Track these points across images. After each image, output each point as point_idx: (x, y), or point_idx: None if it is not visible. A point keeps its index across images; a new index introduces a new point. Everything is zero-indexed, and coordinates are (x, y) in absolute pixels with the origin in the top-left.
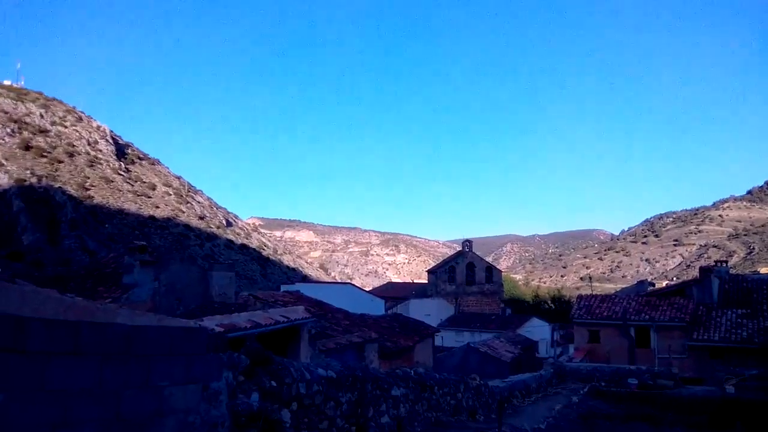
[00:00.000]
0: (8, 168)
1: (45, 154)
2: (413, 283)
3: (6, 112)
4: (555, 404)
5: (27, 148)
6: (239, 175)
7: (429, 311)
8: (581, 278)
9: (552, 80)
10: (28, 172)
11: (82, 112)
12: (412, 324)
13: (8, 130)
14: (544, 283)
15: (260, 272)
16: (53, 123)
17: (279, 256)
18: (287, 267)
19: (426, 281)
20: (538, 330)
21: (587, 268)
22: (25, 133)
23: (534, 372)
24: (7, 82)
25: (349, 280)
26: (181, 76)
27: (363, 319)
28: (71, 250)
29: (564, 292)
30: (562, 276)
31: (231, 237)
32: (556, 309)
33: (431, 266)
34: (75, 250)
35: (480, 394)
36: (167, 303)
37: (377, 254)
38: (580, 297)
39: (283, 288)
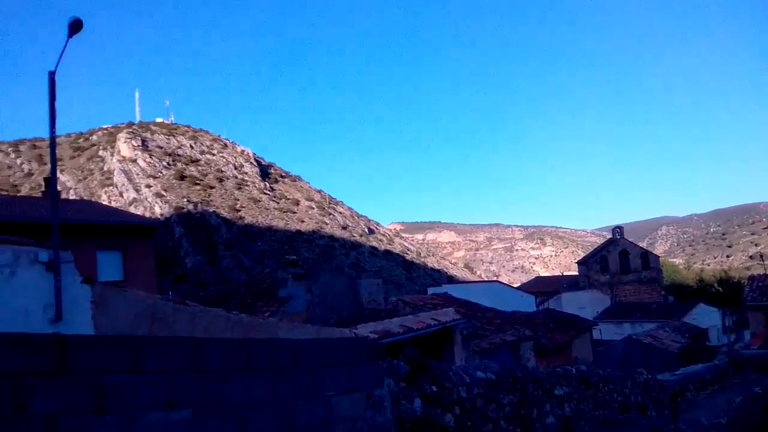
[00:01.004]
0: (168, 198)
1: (198, 182)
2: (563, 275)
3: (161, 147)
4: (734, 396)
5: (182, 177)
6: (377, 183)
7: (583, 304)
8: (750, 257)
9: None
10: (185, 200)
11: (226, 139)
12: (567, 318)
13: (164, 163)
14: (708, 265)
15: (406, 276)
16: (202, 152)
17: (423, 259)
18: (432, 269)
19: (576, 273)
20: (705, 316)
21: (756, 245)
22: (179, 165)
23: (706, 362)
24: (159, 120)
25: (495, 278)
26: (313, 95)
27: (514, 316)
28: (229, 269)
29: (732, 273)
30: (727, 256)
31: (374, 244)
32: (725, 292)
33: (581, 257)
34: (232, 269)
35: (649, 389)
36: (321, 313)
37: (522, 249)
38: (752, 278)
39: (431, 291)
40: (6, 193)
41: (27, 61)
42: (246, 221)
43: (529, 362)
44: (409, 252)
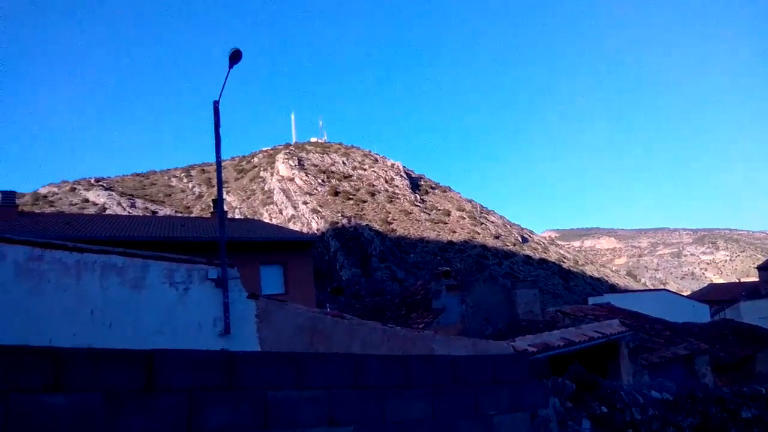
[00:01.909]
0: (323, 214)
1: (351, 197)
2: (740, 282)
3: (316, 165)
4: None
5: (336, 193)
6: (530, 190)
7: (765, 314)
8: None
9: None
10: (339, 214)
11: (377, 154)
12: (747, 330)
13: (319, 180)
14: None
15: (563, 286)
16: (354, 168)
17: (581, 267)
18: (591, 278)
19: (756, 279)
20: None
21: None
22: (333, 181)
23: None
24: (313, 139)
25: (662, 286)
26: (459, 106)
27: (686, 328)
28: (383, 281)
29: None
30: None
31: (528, 253)
32: None
33: (761, 261)
34: (386, 281)
35: None
36: (476, 324)
37: (691, 254)
38: None
39: (591, 300)
40: (180, 214)
41: (195, 91)
42: (398, 233)
43: (705, 379)
44: (565, 260)
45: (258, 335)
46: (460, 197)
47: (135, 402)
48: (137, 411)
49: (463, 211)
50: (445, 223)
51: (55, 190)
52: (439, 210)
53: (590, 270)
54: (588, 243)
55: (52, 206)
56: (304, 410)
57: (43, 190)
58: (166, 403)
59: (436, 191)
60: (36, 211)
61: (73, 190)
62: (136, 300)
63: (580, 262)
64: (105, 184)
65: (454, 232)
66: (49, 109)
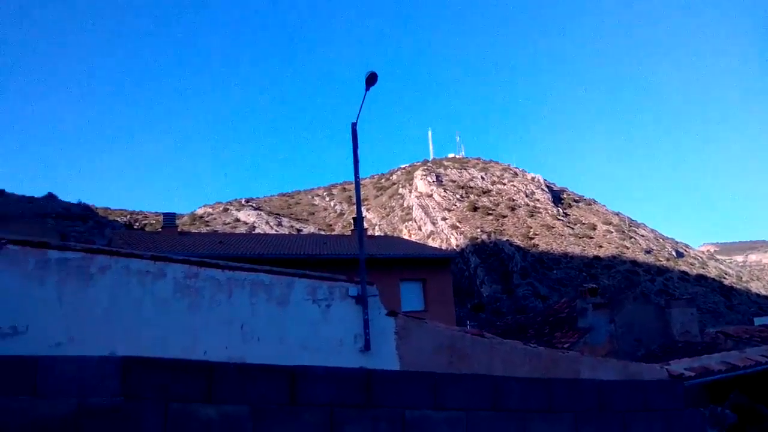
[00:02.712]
0: (463, 229)
1: (490, 212)
2: None
3: (454, 181)
4: None
5: (475, 209)
6: (684, 202)
7: None
8: None
9: None
10: (479, 230)
11: (516, 168)
12: None
13: (458, 196)
14: None
15: (724, 304)
16: (493, 182)
17: (745, 284)
18: (757, 295)
19: None
20: None
21: None
22: (472, 196)
23: None
24: (451, 155)
25: None
26: (599, 115)
27: None
28: (525, 298)
29: None
30: None
31: (684, 268)
32: None
33: None
34: (528, 297)
35: None
36: (625, 345)
37: None
38: None
39: (757, 321)
40: (323, 232)
41: (336, 110)
42: (540, 249)
43: None
44: (727, 276)
45: (397, 352)
46: (606, 210)
47: (279, 415)
48: (281, 424)
49: (609, 224)
50: (591, 238)
51: (210, 210)
52: (584, 224)
53: (756, 287)
54: (753, 257)
55: (207, 225)
56: (441, 431)
57: (199, 211)
58: (308, 418)
59: (580, 204)
60: (193, 230)
61: (225, 210)
62: (282, 316)
63: (743, 278)
64: (254, 204)
65: (601, 246)
66: (202, 136)
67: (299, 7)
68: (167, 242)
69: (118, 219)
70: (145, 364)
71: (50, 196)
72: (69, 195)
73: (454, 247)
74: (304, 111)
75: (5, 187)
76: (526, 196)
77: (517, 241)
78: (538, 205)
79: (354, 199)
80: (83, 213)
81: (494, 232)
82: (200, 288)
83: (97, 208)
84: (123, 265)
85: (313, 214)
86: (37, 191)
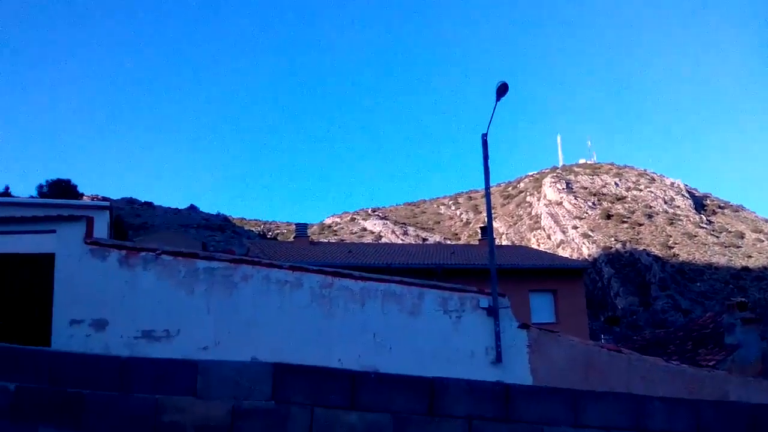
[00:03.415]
0: (595, 238)
1: (625, 220)
2: None
3: (585, 188)
4: None
5: (608, 217)
6: None
7: None
8: None
9: None
10: (612, 239)
11: (653, 173)
12: None
13: (590, 203)
14: None
15: None
16: (628, 189)
17: None
18: None
19: None
20: None
21: None
22: (605, 204)
23: None
24: (582, 161)
25: None
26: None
27: None
28: (664, 311)
29: None
30: None
31: None
32: None
33: None
34: (668, 311)
35: None
36: None
37: None
38: None
39: None
40: (449, 241)
41: (460, 117)
42: (681, 258)
43: None
44: None
45: (530, 366)
46: (756, 217)
47: (418, 426)
48: None
49: (760, 232)
50: (738, 247)
51: (338, 220)
52: (731, 232)
53: None
54: None
55: (336, 235)
56: None
57: (327, 221)
58: (447, 430)
59: (726, 211)
60: (322, 240)
61: (353, 220)
62: (413, 326)
63: None
64: (380, 214)
65: (750, 257)
66: (330, 147)
67: (434, 16)
68: (300, 252)
69: (253, 229)
70: (294, 370)
71: (192, 208)
72: (209, 206)
73: (586, 257)
74: (428, 120)
75: (154, 200)
76: (665, 202)
77: (655, 251)
78: (679, 212)
79: (480, 208)
80: (222, 223)
81: (630, 241)
82: (335, 297)
83: (233, 219)
84: (264, 275)
85: (439, 223)
86: (181, 203)
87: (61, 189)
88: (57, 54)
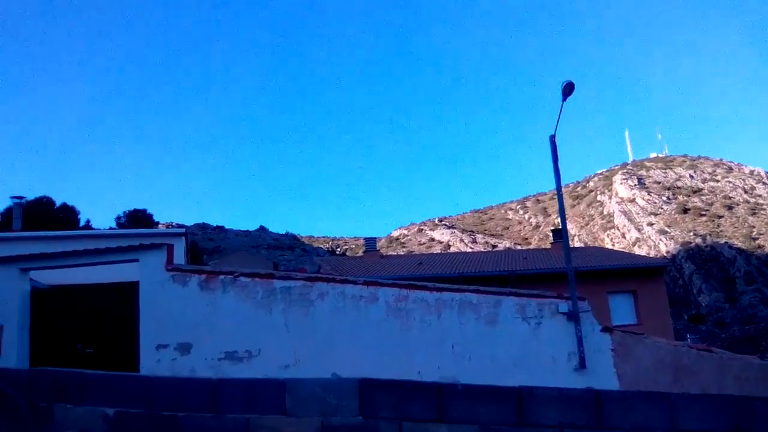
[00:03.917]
0: (672, 234)
1: (703, 212)
2: None
3: (658, 182)
4: None
5: (685, 211)
6: None
7: None
8: None
9: None
10: (691, 233)
11: (730, 162)
12: None
13: (664, 198)
14: None
15: None
16: (704, 180)
17: None
18: None
19: None
20: None
21: None
22: (680, 197)
23: None
24: (653, 155)
25: None
26: None
27: None
28: (752, 306)
29: None
30: None
31: None
32: None
33: None
34: (756, 306)
35: None
36: None
37: None
38: None
39: None
40: (519, 246)
41: (524, 121)
42: (767, 250)
43: None
44: None
45: (615, 370)
46: None
47: None
48: None
49: None
50: None
51: (405, 232)
52: None
53: None
54: None
55: (404, 247)
56: None
57: (395, 233)
58: None
59: None
60: (391, 253)
61: (420, 230)
62: (492, 335)
63: None
64: (447, 223)
65: None
66: (392, 160)
67: (492, 18)
68: (371, 266)
69: (321, 246)
70: (380, 385)
71: (262, 229)
72: (277, 226)
73: (664, 254)
74: (491, 125)
75: (225, 224)
76: (745, 192)
77: (738, 243)
78: (761, 201)
79: (549, 211)
80: (291, 242)
81: (710, 235)
82: (410, 310)
83: (302, 237)
84: (339, 291)
85: (508, 228)
86: (251, 225)
87: (138, 219)
88: (115, 88)
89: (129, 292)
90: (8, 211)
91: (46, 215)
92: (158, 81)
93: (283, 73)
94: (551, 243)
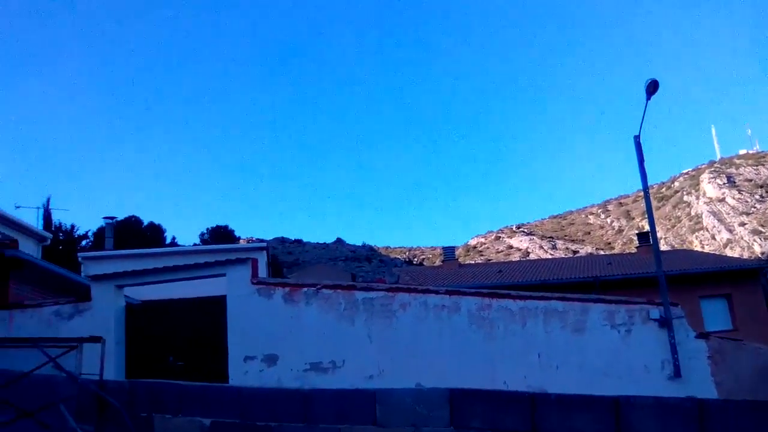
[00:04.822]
0: (766, 234)
1: None
2: None
3: (750, 180)
4: None
5: None
6: None
7: None
8: None
9: None
10: None
11: None
12: None
13: (757, 196)
14: None
15: None
16: None
17: None
18: None
19: None
20: None
21: None
22: None
23: None
24: (742, 151)
25: None
26: None
27: None
28: None
29: None
30: None
31: None
32: None
33: None
34: None
35: None
36: None
37: None
38: None
39: None
40: (601, 251)
41: (602, 122)
42: None
43: None
44: None
45: (713, 379)
46: None
47: None
48: None
49: None
50: None
51: (482, 240)
52: None
53: None
54: None
55: (481, 255)
56: None
57: (472, 242)
58: None
59: None
60: (468, 261)
61: (497, 238)
62: (579, 343)
63: None
64: (526, 230)
65: None
66: (467, 167)
67: (567, 17)
68: (450, 275)
69: (398, 257)
70: (470, 395)
71: (339, 241)
72: (354, 238)
73: (759, 255)
74: (568, 127)
75: (303, 237)
76: None
77: None
78: None
79: (633, 214)
80: (368, 254)
81: None
82: (494, 319)
83: (378, 248)
84: (421, 301)
85: (589, 233)
86: (328, 238)
87: (220, 234)
88: (192, 115)
89: (216, 305)
90: (101, 231)
91: (135, 234)
92: (233, 102)
93: (363, 84)
94: (636, 247)
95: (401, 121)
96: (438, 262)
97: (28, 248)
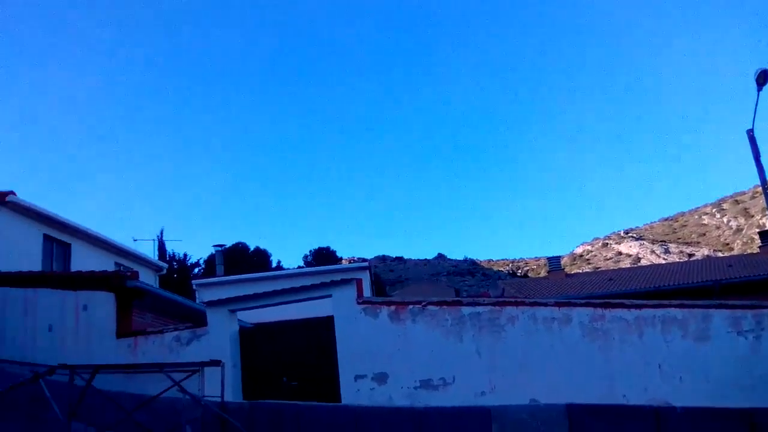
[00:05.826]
0: None
1: None
2: None
3: None
4: None
5: None
6: None
7: None
8: None
9: None
10: None
11: None
12: None
13: None
14: None
15: None
16: None
17: None
18: None
19: None
20: None
21: None
22: None
23: None
24: None
25: None
26: None
27: None
28: None
29: None
30: None
31: None
32: None
33: None
34: None
35: None
36: None
37: None
38: None
39: None
40: (719, 253)
41: (710, 119)
42: None
43: None
44: None
45: None
46: None
47: None
48: None
49: None
50: None
51: (589, 247)
52: None
53: None
54: None
55: (588, 264)
56: None
57: (578, 250)
58: None
59: None
60: (575, 270)
61: (605, 245)
62: (703, 352)
63: None
64: (635, 235)
65: None
66: (568, 172)
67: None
68: (557, 286)
69: (501, 269)
70: (589, 411)
71: (440, 257)
72: (455, 253)
73: None
74: (675, 125)
75: (403, 254)
76: None
77: None
78: None
79: (751, 212)
80: (470, 267)
81: None
82: (608, 329)
83: (480, 262)
84: (529, 314)
85: (704, 234)
86: (429, 254)
87: (323, 256)
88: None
89: (324, 326)
90: (211, 258)
91: (243, 259)
92: (327, 121)
93: (461, 95)
94: (759, 247)
95: (495, 130)
96: (543, 273)
97: (147, 278)
